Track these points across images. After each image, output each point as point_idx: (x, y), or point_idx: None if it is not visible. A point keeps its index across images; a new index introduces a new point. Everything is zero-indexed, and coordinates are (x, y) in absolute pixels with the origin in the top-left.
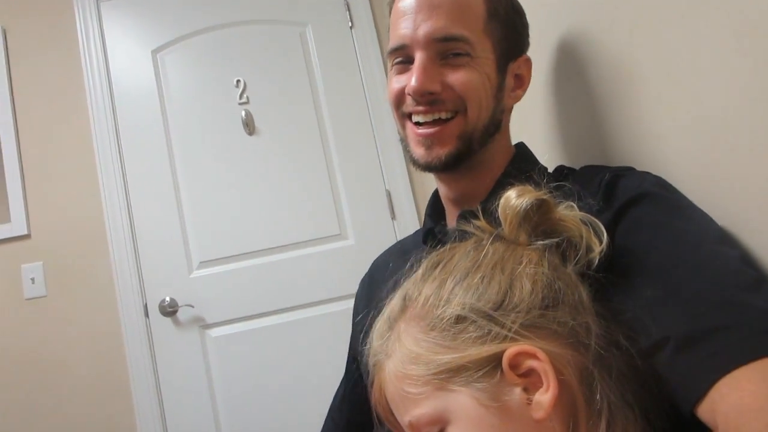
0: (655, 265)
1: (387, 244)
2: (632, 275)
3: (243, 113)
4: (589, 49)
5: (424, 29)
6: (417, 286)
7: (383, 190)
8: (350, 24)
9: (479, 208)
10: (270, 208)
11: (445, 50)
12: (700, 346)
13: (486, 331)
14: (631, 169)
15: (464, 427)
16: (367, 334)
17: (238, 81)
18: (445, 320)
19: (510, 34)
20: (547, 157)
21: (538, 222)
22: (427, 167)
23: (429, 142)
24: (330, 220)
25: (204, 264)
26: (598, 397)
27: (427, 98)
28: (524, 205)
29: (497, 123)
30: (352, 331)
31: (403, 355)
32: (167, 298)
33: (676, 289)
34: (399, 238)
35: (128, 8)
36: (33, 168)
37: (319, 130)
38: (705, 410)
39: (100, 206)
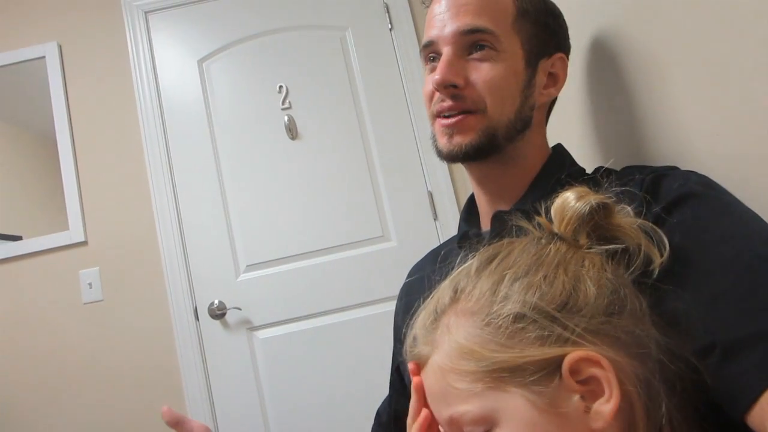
0: (701, 267)
1: (430, 245)
2: (678, 279)
3: (286, 118)
4: (624, 47)
5: (450, 25)
6: (471, 280)
7: (425, 191)
8: (390, 26)
9: (543, 204)
10: (313, 211)
11: (471, 42)
12: (746, 352)
13: (547, 332)
14: (674, 169)
15: (516, 430)
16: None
17: (280, 87)
18: (502, 317)
19: (541, 33)
20: (585, 156)
21: (598, 226)
22: (449, 156)
23: (450, 131)
24: (372, 222)
25: (250, 267)
26: (662, 411)
27: (450, 91)
28: (588, 207)
29: (526, 119)
30: (394, 341)
31: (453, 349)
32: (216, 301)
33: (722, 292)
34: (441, 239)
35: (175, 19)
36: (89, 178)
37: (360, 133)
38: (755, 419)
39: (151, 213)
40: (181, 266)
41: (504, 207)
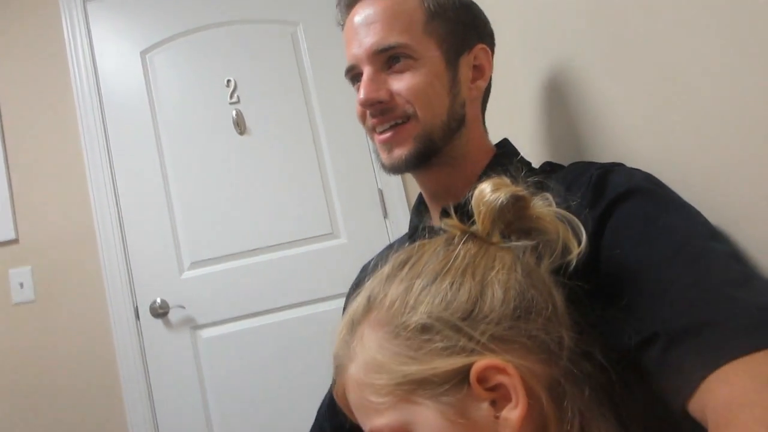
0: (644, 260)
1: (379, 243)
2: (621, 271)
3: (234, 113)
4: (573, 47)
5: (364, 46)
6: (383, 287)
7: (375, 189)
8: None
9: (451, 205)
10: (261, 208)
11: (387, 58)
12: (688, 342)
13: (453, 342)
14: (620, 165)
15: None
16: None
17: (228, 81)
18: (410, 328)
19: (457, 29)
20: (532, 152)
21: (513, 219)
22: (392, 169)
23: (388, 146)
24: (322, 219)
25: (195, 264)
26: (569, 412)
27: (377, 108)
28: (499, 201)
29: (459, 117)
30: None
31: (366, 362)
32: (158, 300)
33: (665, 285)
34: (391, 237)
35: (116, 8)
36: (20, 172)
37: (311, 130)
38: (696, 406)
39: (89, 209)
40: (121, 264)
41: (452, 203)
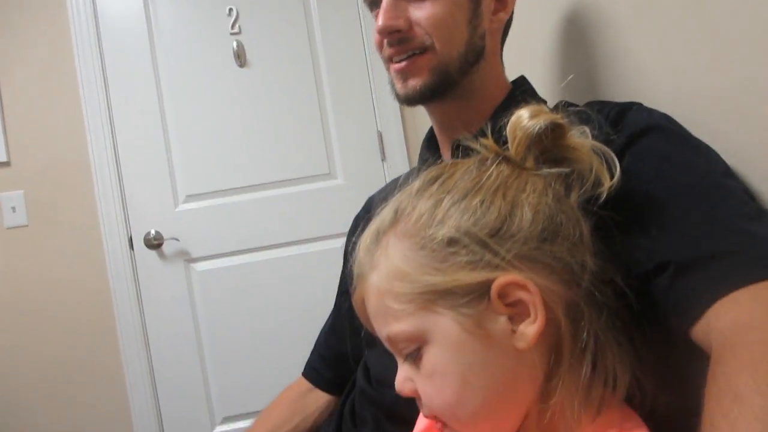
0: (660, 193)
1: (376, 186)
2: (637, 204)
3: (234, 44)
4: None
5: None
6: (411, 201)
7: (375, 131)
8: None
9: (488, 124)
10: (259, 144)
11: None
12: (699, 270)
13: (478, 257)
14: (638, 104)
15: (443, 349)
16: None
17: (230, 9)
18: (436, 241)
19: None
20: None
21: (548, 147)
22: (405, 99)
23: (404, 75)
24: (320, 159)
25: (190, 198)
26: (584, 334)
27: (395, 36)
28: (537, 127)
29: (478, 49)
30: (344, 265)
31: (389, 270)
32: (152, 231)
33: (679, 216)
34: (388, 180)
35: None
36: (13, 94)
37: (312, 66)
38: (700, 331)
39: (83, 135)
40: (116, 192)
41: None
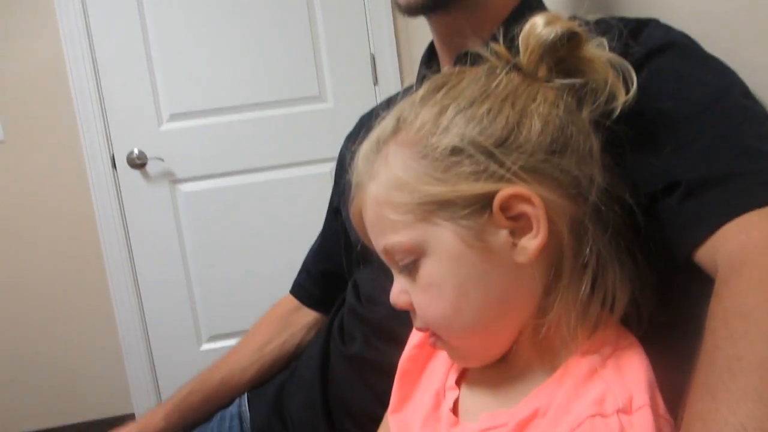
0: (676, 112)
1: (368, 108)
2: (651, 122)
3: None
4: None
5: None
6: (414, 109)
7: (368, 53)
8: None
9: (500, 29)
10: (247, 63)
11: None
12: (711, 189)
13: (482, 167)
14: (656, 20)
15: (441, 262)
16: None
17: None
18: (439, 150)
19: None
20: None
21: (563, 57)
22: (407, 8)
23: None
24: (309, 81)
25: (175, 117)
26: (587, 251)
27: None
28: (552, 35)
29: None
30: (335, 183)
31: (389, 180)
32: (136, 150)
33: (694, 135)
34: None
35: None
36: None
37: None
38: (707, 252)
39: (59, 49)
40: (96, 109)
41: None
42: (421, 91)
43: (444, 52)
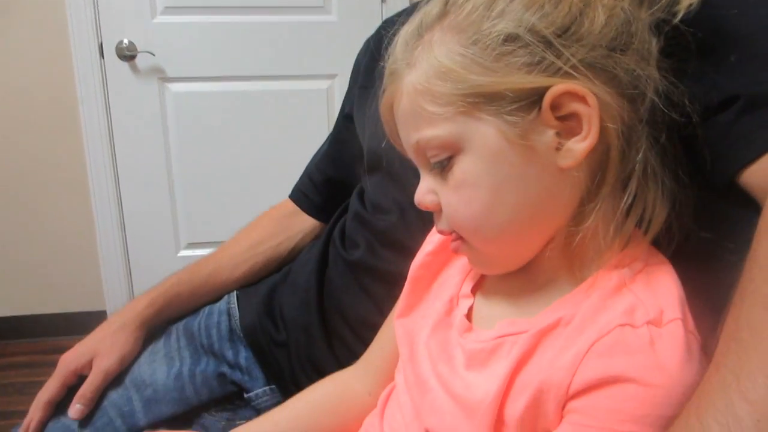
0: (742, 25)
1: (371, 28)
2: (715, 33)
3: None
4: None
5: None
6: None
7: None
8: None
9: None
10: None
11: None
12: None
13: (538, 58)
14: None
15: (479, 159)
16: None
17: None
18: (492, 36)
19: None
20: None
21: None
22: None
23: None
24: None
25: (170, 9)
26: (637, 158)
27: None
28: None
29: None
30: (349, 87)
31: (431, 67)
32: (125, 41)
33: (760, 51)
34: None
35: None
36: None
37: None
38: (756, 172)
39: None
40: None
41: None
42: None
43: None
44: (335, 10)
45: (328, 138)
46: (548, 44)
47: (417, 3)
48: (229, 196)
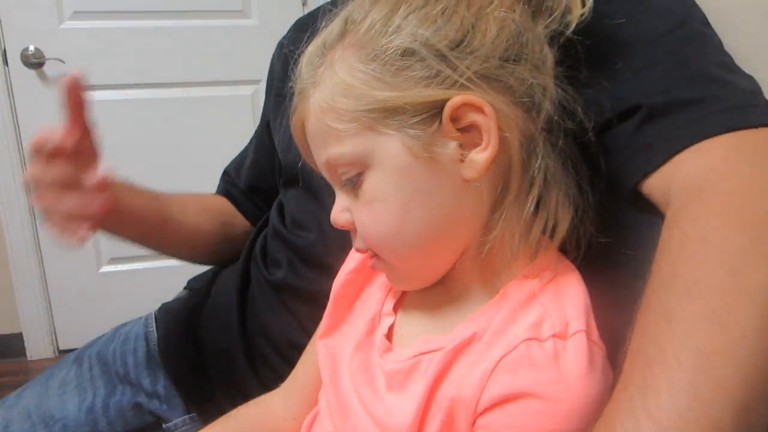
0: (635, 36)
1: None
2: (609, 44)
3: None
4: None
5: None
6: (363, 9)
7: None
8: None
9: None
10: None
11: None
12: (671, 115)
13: (435, 72)
14: None
15: (386, 174)
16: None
17: None
18: (390, 51)
19: None
20: None
21: None
22: None
23: None
24: None
25: (79, 15)
26: (537, 164)
27: None
28: None
29: None
30: (266, 94)
31: (334, 85)
32: (31, 47)
33: (655, 61)
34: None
35: None
36: None
37: None
38: (658, 180)
39: None
40: None
41: None
42: None
43: None
44: (255, 14)
45: (249, 144)
46: (443, 57)
47: (327, 4)
48: None
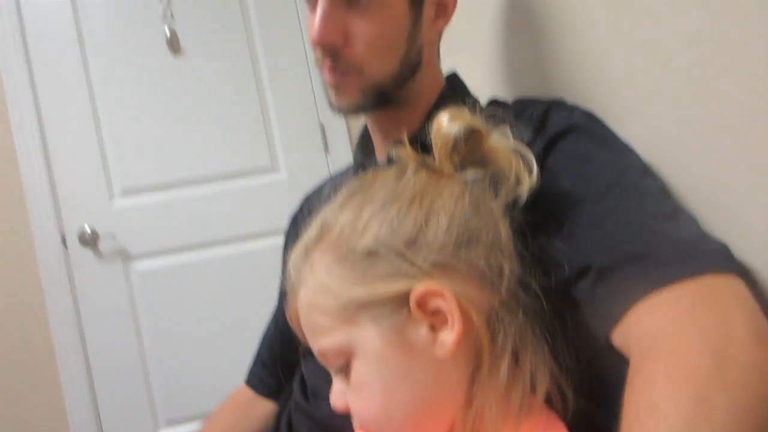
0: (580, 195)
1: (320, 179)
2: (558, 206)
3: (167, 31)
4: None
5: None
6: (334, 214)
7: (317, 123)
8: None
9: (405, 136)
10: (197, 136)
11: None
12: (618, 273)
13: (396, 267)
14: (560, 102)
15: (368, 362)
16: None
17: None
18: (357, 253)
19: None
20: (486, 86)
21: (467, 151)
22: (338, 111)
23: (335, 89)
24: (261, 152)
25: (127, 192)
26: (503, 338)
27: (329, 50)
28: (454, 133)
29: (413, 64)
30: (283, 261)
31: (315, 285)
32: (87, 227)
33: (599, 219)
34: (332, 173)
35: None
36: None
37: (250, 56)
38: (620, 336)
39: (7, 125)
40: (45, 188)
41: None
42: (340, 197)
43: (377, 138)
44: (284, 167)
45: (272, 316)
46: (401, 254)
47: (334, 177)
48: (205, 366)
